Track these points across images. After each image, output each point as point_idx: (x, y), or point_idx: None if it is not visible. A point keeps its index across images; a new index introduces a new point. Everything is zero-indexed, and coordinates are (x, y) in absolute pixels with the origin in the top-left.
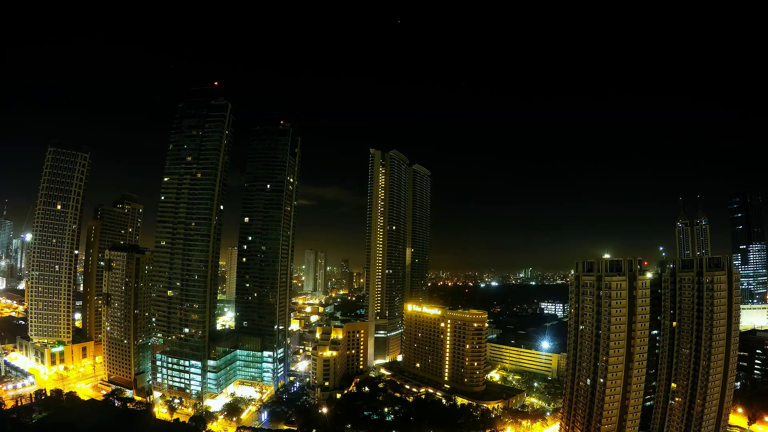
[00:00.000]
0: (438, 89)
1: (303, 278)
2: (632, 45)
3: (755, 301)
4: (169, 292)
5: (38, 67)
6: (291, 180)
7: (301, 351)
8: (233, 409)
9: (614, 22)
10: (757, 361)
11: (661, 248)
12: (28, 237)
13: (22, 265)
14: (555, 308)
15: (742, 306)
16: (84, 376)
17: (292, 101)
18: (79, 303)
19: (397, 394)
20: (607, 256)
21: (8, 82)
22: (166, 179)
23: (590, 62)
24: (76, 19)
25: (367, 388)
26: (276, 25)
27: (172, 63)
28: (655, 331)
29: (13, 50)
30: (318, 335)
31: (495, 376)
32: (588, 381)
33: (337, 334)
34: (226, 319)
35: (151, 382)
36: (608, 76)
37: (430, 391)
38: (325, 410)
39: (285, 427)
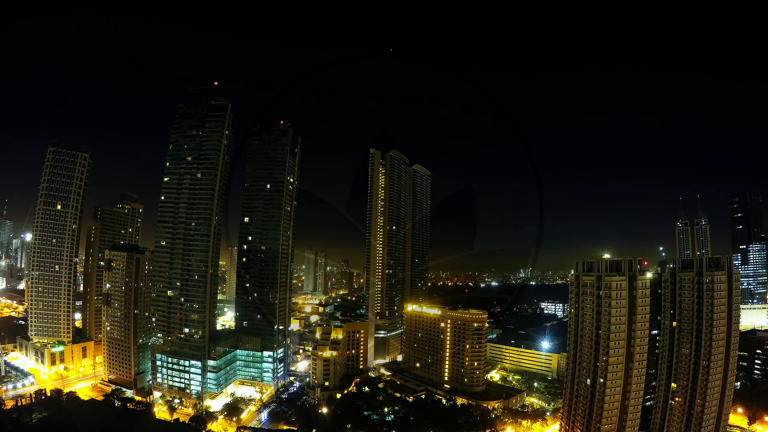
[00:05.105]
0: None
1: (303, 278)
2: (631, 41)
3: (755, 301)
4: (169, 292)
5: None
6: (291, 180)
7: (301, 351)
8: (233, 409)
9: (617, 13)
10: (757, 361)
11: (661, 248)
12: (28, 237)
13: (22, 265)
14: (555, 308)
15: (742, 306)
16: (84, 376)
17: (292, 100)
18: (79, 303)
19: (397, 394)
20: (607, 256)
21: (8, 81)
22: (166, 179)
23: (587, 54)
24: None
25: (367, 388)
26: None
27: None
28: (655, 331)
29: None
30: (318, 335)
31: (495, 376)
32: (588, 381)
33: (337, 334)
34: (226, 319)
35: (151, 382)
36: (606, 74)
37: (431, 390)
38: (325, 410)
39: (285, 427)
